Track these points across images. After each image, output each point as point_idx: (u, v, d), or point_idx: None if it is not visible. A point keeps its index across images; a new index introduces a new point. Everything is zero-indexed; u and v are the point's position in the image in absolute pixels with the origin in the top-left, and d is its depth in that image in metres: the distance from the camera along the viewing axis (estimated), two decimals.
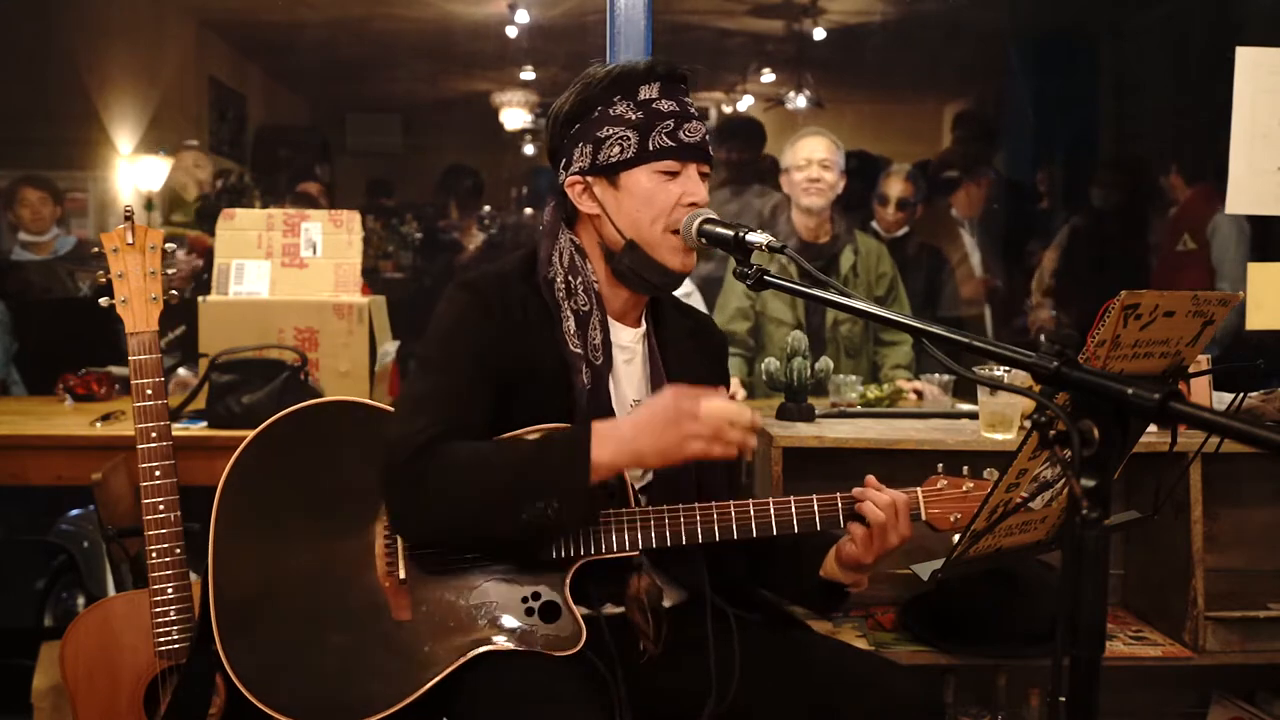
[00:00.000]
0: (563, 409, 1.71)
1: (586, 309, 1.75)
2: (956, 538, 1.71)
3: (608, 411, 1.74)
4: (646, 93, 1.73)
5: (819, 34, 6.78)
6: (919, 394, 3.25)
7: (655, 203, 1.72)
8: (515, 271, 1.79)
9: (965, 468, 1.80)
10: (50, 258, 4.68)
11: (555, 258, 1.77)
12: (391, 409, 1.76)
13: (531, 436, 1.66)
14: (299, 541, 1.71)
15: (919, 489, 1.76)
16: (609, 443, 1.58)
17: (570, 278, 1.76)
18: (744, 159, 4.49)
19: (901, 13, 6.70)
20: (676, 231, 1.73)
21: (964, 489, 1.76)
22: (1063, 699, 1.13)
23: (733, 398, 3.27)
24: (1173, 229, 4.43)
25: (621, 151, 1.72)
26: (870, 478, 1.76)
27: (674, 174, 1.73)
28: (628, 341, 1.83)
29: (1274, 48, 2.81)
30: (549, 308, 1.76)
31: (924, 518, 1.74)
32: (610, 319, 1.80)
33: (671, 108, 1.73)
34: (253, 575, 1.71)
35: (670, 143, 1.72)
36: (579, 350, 1.73)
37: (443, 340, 1.73)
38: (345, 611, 1.68)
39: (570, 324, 1.74)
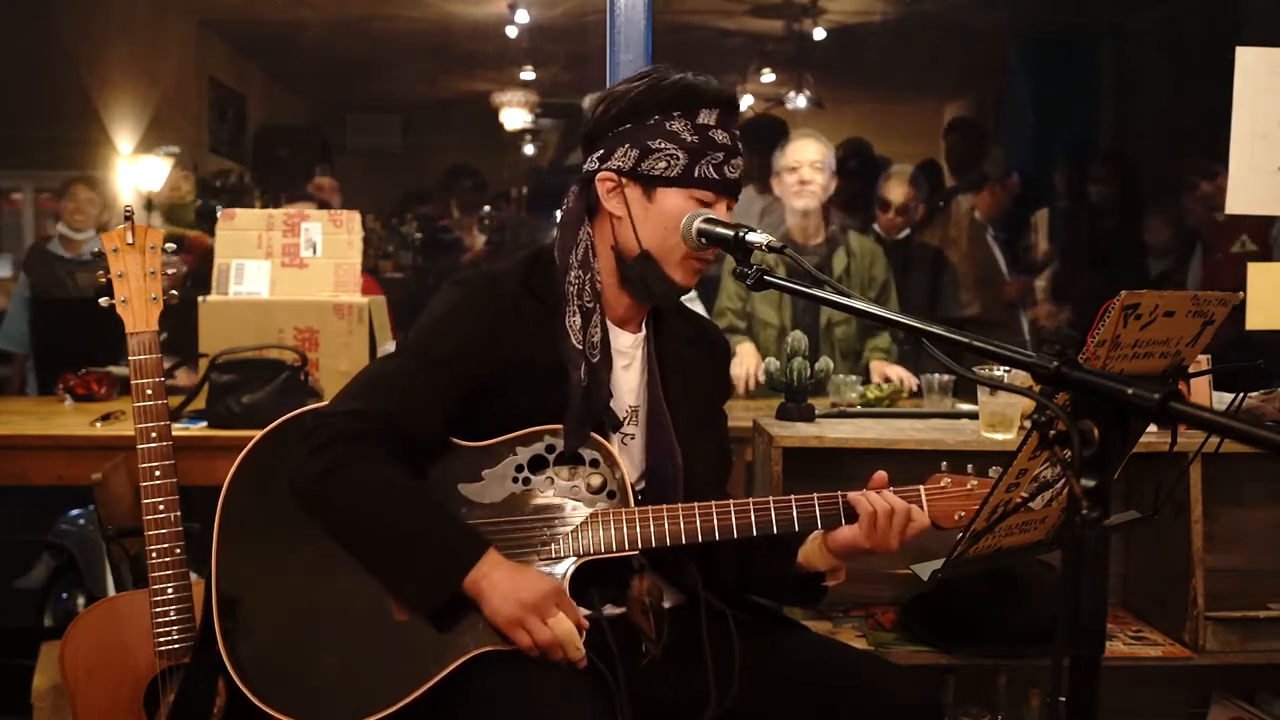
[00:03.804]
0: (557, 407, 1.72)
1: (591, 306, 1.75)
2: (958, 536, 1.71)
3: (609, 415, 1.75)
4: (706, 118, 1.73)
5: (819, 34, 6.78)
6: (886, 380, 3.25)
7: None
8: (513, 273, 1.79)
9: (970, 466, 1.80)
10: (79, 258, 4.73)
11: (573, 252, 1.77)
12: None
13: (436, 519, 1.65)
14: (301, 543, 1.71)
15: (922, 487, 1.77)
16: (480, 579, 1.61)
17: (581, 273, 1.76)
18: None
19: (901, 13, 6.70)
20: (691, 257, 1.75)
21: (968, 487, 1.76)
22: (1063, 699, 1.13)
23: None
24: (1227, 230, 4.40)
25: (667, 168, 1.72)
26: (880, 474, 1.76)
27: (707, 204, 1.74)
28: (626, 346, 1.83)
29: (1274, 48, 2.81)
30: (546, 308, 1.76)
31: (927, 515, 1.74)
32: (610, 323, 1.80)
33: (724, 140, 1.74)
34: (255, 576, 1.71)
35: (715, 175, 1.73)
36: (579, 346, 1.73)
37: (425, 334, 1.74)
38: (346, 611, 1.68)
39: (576, 319, 1.74)
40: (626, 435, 1.82)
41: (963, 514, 1.74)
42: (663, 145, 1.72)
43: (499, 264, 1.84)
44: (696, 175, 1.72)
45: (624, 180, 1.75)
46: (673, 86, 1.73)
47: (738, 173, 1.76)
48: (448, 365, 1.69)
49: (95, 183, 4.92)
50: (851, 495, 1.73)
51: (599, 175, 1.76)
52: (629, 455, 1.81)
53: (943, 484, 1.77)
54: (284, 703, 1.63)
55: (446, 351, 1.70)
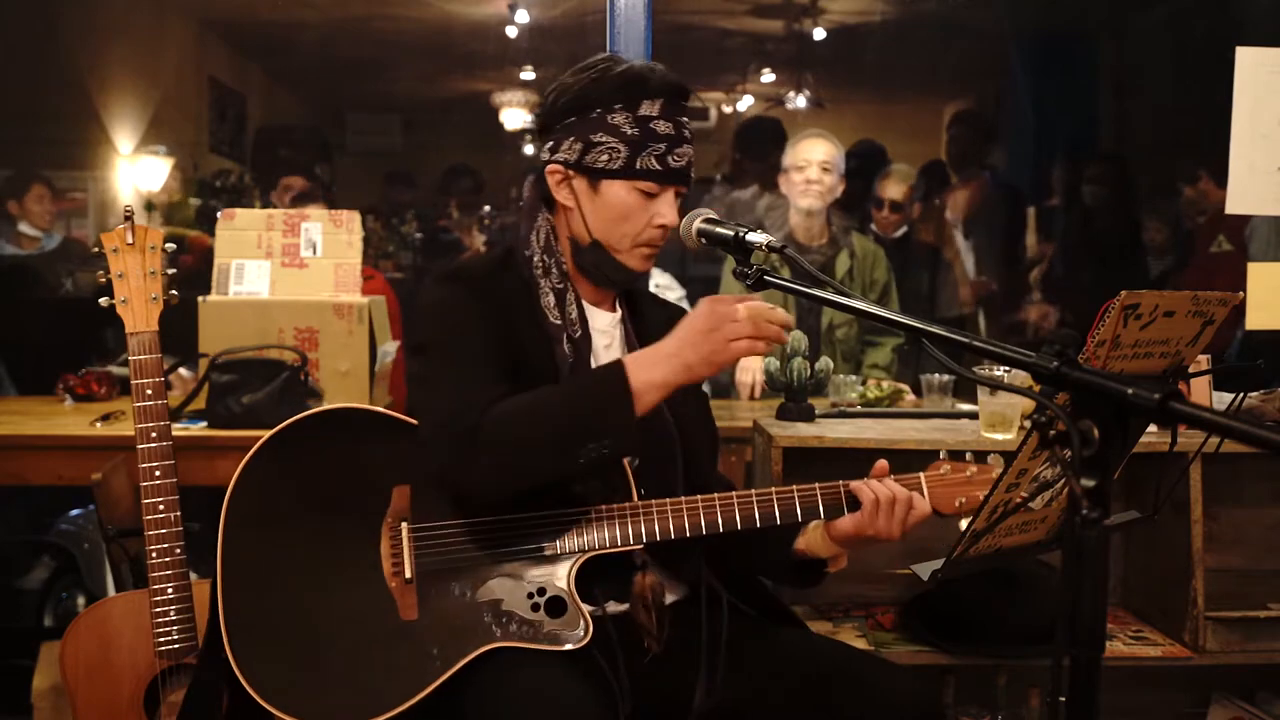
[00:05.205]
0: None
1: (561, 286, 1.79)
2: (962, 522, 1.73)
3: None
4: (648, 109, 1.74)
5: (819, 34, 6.78)
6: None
7: (629, 218, 1.76)
8: (494, 260, 1.84)
9: (968, 454, 1.81)
10: (36, 253, 4.74)
11: (533, 237, 1.81)
12: (398, 414, 1.75)
13: (569, 383, 1.67)
14: (307, 544, 1.71)
15: (922, 475, 1.78)
16: (649, 367, 1.60)
17: (545, 257, 1.80)
18: (768, 165, 4.42)
19: (901, 13, 6.70)
20: (641, 244, 1.78)
21: (967, 474, 1.78)
22: (1063, 699, 1.13)
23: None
24: (1208, 231, 4.41)
25: (609, 161, 1.74)
26: (881, 463, 1.77)
27: (653, 195, 1.76)
28: (605, 325, 1.86)
29: (1274, 48, 2.81)
30: (529, 289, 1.79)
31: (928, 502, 1.75)
32: (585, 302, 1.83)
33: (667, 130, 1.75)
34: (262, 579, 1.71)
35: (658, 166, 1.74)
36: (558, 322, 1.77)
37: (444, 329, 1.74)
38: (353, 612, 1.68)
39: (550, 298, 1.78)
40: None
41: (963, 500, 1.76)
42: (604, 139, 1.74)
43: (479, 255, 1.87)
44: (638, 167, 1.73)
45: (570, 172, 1.78)
46: (616, 78, 1.75)
47: (684, 160, 1.77)
48: (479, 343, 1.70)
49: (45, 177, 4.93)
50: (853, 484, 1.74)
51: (548, 167, 1.80)
52: None
53: (942, 471, 1.79)
54: (292, 705, 1.63)
55: (469, 336, 1.71)
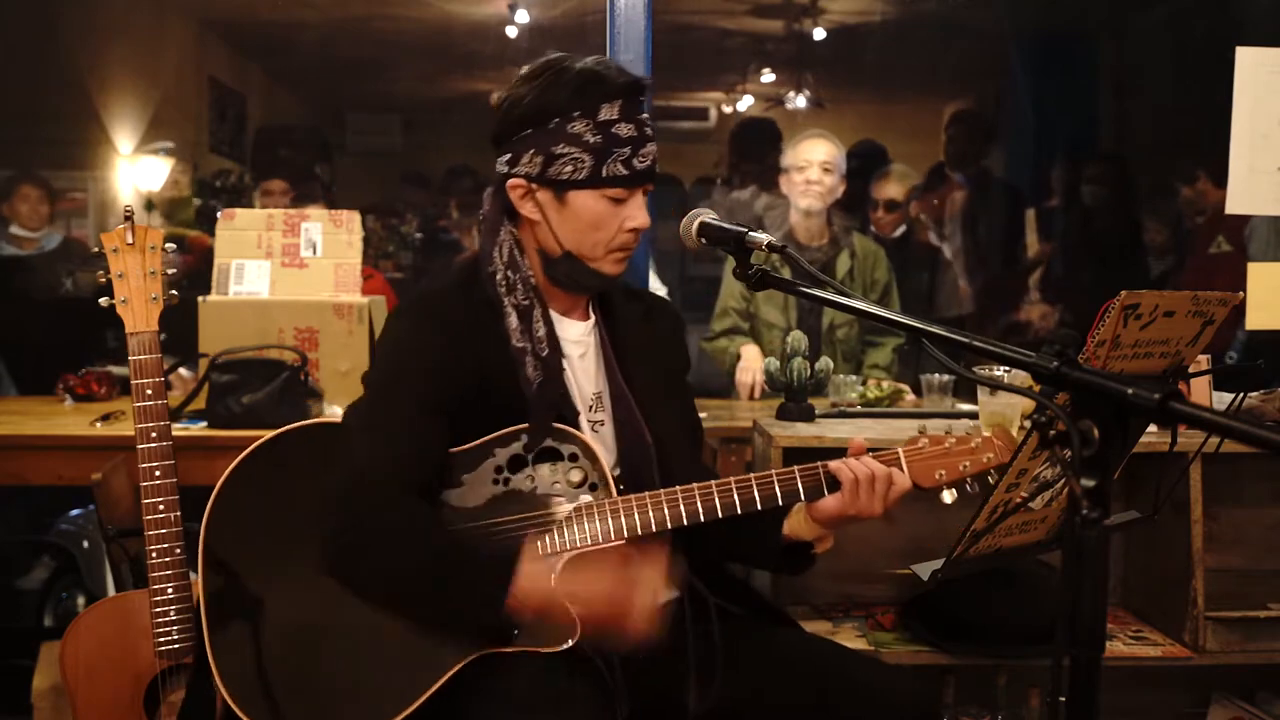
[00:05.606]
0: (520, 408, 1.71)
1: (527, 303, 1.74)
2: (945, 494, 1.72)
3: (566, 404, 1.74)
4: (608, 112, 1.69)
5: (819, 34, 6.78)
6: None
7: (600, 227, 1.72)
8: (455, 284, 1.80)
9: (949, 427, 1.79)
10: (35, 253, 4.74)
11: (495, 253, 1.77)
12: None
13: (468, 546, 1.66)
14: (290, 558, 1.69)
15: (900, 449, 1.74)
16: (540, 590, 1.59)
17: (510, 273, 1.75)
18: (764, 166, 4.41)
19: (901, 13, 6.70)
20: (614, 249, 1.75)
21: (945, 446, 1.74)
22: (1063, 699, 1.13)
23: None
24: (1207, 232, 4.41)
25: (574, 171, 1.69)
26: (858, 441, 1.74)
27: (621, 200, 1.72)
28: (578, 335, 1.82)
29: (1274, 48, 2.81)
30: (494, 312, 1.75)
31: (908, 477, 1.72)
32: (556, 314, 1.79)
33: (630, 132, 1.70)
34: (244, 591, 1.70)
35: (624, 171, 1.70)
36: (524, 345, 1.72)
37: (388, 375, 1.73)
38: (339, 625, 1.66)
39: (513, 319, 1.73)
40: (596, 423, 1.81)
41: (943, 472, 1.72)
42: (566, 149, 1.68)
43: (440, 277, 1.85)
44: (605, 175, 1.69)
45: (534, 185, 1.73)
46: (572, 83, 1.69)
47: (649, 160, 1.73)
48: (421, 399, 1.68)
49: (38, 178, 4.92)
50: (832, 464, 1.71)
51: (509, 182, 1.75)
52: (603, 442, 1.80)
53: (920, 445, 1.75)
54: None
55: (415, 386, 1.69)
